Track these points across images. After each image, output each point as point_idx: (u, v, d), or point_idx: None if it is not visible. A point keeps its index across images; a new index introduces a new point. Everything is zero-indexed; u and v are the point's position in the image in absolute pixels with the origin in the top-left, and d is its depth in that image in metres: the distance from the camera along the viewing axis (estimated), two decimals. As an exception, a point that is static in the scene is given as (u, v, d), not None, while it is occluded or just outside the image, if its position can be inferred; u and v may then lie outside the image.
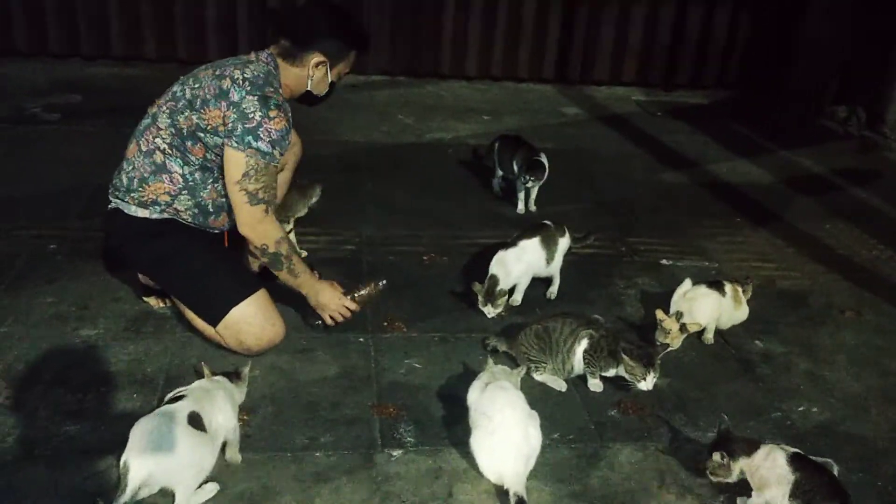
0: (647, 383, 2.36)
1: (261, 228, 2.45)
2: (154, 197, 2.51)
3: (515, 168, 3.74)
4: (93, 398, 2.28)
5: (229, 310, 2.47)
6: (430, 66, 6.14)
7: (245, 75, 2.40)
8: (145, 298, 2.78)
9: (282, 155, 2.47)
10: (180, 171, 2.49)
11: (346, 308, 2.61)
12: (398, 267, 3.17)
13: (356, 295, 2.65)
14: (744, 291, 2.91)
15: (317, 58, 2.53)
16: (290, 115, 2.48)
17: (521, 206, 3.79)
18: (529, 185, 3.71)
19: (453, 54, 6.09)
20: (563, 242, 2.99)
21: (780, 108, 5.67)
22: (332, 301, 2.60)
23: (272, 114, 2.38)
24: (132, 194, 2.52)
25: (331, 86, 2.65)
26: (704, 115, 5.86)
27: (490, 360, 2.34)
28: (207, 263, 2.55)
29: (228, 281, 2.54)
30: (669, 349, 2.67)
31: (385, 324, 2.77)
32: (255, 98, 2.37)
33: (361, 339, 2.69)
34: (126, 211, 2.54)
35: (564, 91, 6.13)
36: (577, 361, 2.45)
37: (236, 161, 2.38)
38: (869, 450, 2.37)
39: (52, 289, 2.81)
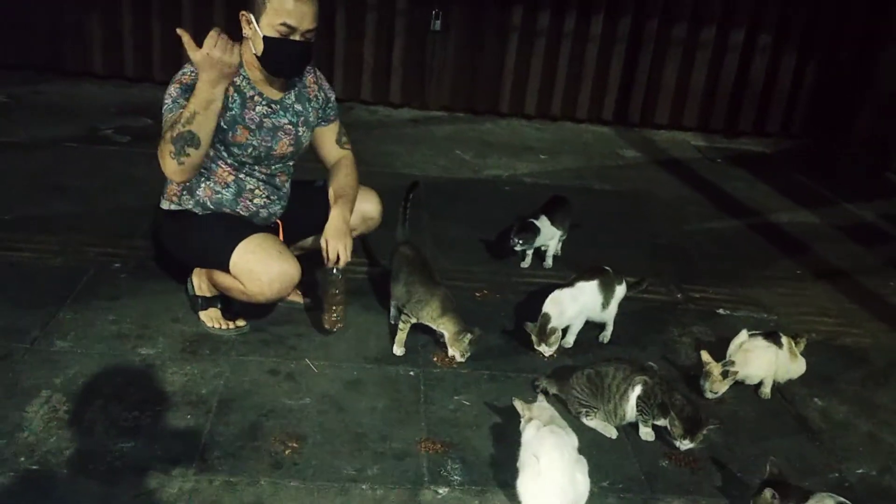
0: (681, 445, 2.35)
1: (161, 160, 2.44)
2: (170, 196, 2.72)
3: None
4: (148, 416, 2.33)
5: (234, 248, 2.55)
6: (490, 103, 6.20)
7: None
8: (201, 315, 2.84)
9: (187, 100, 2.43)
10: None
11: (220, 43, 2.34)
12: (451, 302, 3.18)
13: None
14: (797, 345, 2.85)
15: (243, 17, 2.51)
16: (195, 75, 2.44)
17: (525, 262, 3.59)
18: (517, 248, 3.45)
19: (513, 93, 6.14)
20: (620, 290, 2.96)
21: (845, 161, 5.57)
22: (203, 64, 2.35)
23: (175, 78, 2.54)
24: (163, 193, 2.76)
25: (277, 44, 2.47)
26: (767, 163, 5.78)
27: (540, 397, 2.31)
28: (211, 222, 2.68)
29: (229, 229, 2.63)
30: (714, 397, 2.67)
31: (435, 359, 2.78)
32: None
33: (412, 373, 2.69)
34: (160, 205, 2.77)
35: (623, 133, 6.12)
36: (630, 408, 2.42)
37: None
38: (932, 520, 2.28)
39: (114, 306, 2.88)
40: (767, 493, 2.01)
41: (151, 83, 5.76)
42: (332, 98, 2.86)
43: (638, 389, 2.40)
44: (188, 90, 2.46)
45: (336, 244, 2.65)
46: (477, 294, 3.29)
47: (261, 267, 2.54)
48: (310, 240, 2.90)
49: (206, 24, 5.75)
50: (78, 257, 3.22)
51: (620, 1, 5.90)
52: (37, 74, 5.72)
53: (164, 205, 2.75)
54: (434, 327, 2.74)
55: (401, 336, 2.77)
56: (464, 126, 5.98)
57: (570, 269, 3.48)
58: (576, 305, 2.85)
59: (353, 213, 2.82)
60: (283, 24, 2.46)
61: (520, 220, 3.49)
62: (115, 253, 3.28)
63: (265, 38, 2.48)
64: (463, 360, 2.69)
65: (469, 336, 2.65)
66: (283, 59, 2.55)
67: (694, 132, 6.24)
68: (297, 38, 2.49)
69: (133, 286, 3.05)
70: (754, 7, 5.97)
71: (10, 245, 3.24)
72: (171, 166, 2.43)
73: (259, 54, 2.52)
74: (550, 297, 2.84)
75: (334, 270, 2.67)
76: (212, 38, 2.33)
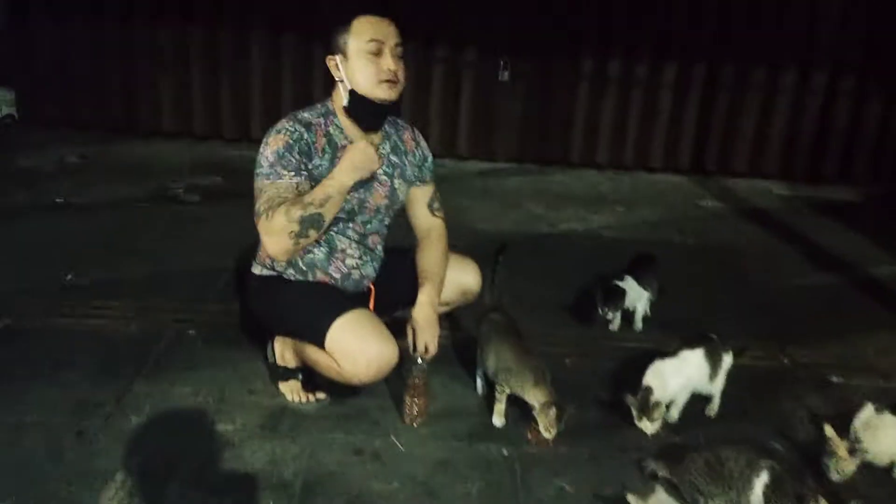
0: None
1: (270, 236, 2.34)
2: (262, 259, 2.59)
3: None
4: (230, 503, 2.17)
5: (330, 324, 2.39)
6: (560, 153, 6.05)
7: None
8: (281, 385, 2.70)
9: (288, 170, 2.36)
10: None
11: (370, 148, 2.41)
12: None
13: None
14: None
15: (331, 61, 2.48)
16: (302, 134, 2.41)
17: (613, 325, 3.35)
18: (609, 316, 3.29)
19: (585, 142, 5.98)
20: (727, 360, 2.72)
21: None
22: (356, 154, 2.39)
23: (270, 139, 2.41)
24: (254, 256, 2.65)
25: (360, 98, 2.44)
26: (858, 211, 5.47)
27: (658, 489, 2.09)
28: (306, 293, 2.54)
29: (326, 302, 2.49)
30: (841, 479, 2.39)
31: (529, 436, 2.57)
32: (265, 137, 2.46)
33: (505, 453, 2.49)
34: (252, 270, 2.65)
35: (700, 182, 5.89)
36: (756, 498, 2.16)
37: None
38: None
39: (190, 377, 2.76)
40: None
41: (220, 140, 5.77)
42: (430, 159, 2.75)
43: (764, 477, 2.15)
44: (287, 152, 2.38)
45: (425, 335, 2.53)
46: (567, 360, 3.09)
47: (359, 346, 2.38)
48: (400, 311, 2.75)
49: (274, 82, 5.79)
50: (152, 323, 3.13)
51: (695, 46, 5.73)
52: (110, 134, 5.78)
53: (256, 269, 2.64)
54: (524, 399, 2.54)
55: (499, 407, 2.59)
56: (533, 177, 5.84)
57: (661, 331, 3.28)
58: (680, 378, 2.62)
59: (448, 286, 2.69)
60: (372, 41, 2.42)
61: (603, 281, 3.29)
62: (189, 318, 3.18)
63: (351, 92, 2.45)
64: (550, 436, 2.47)
65: (555, 410, 2.44)
66: (366, 111, 2.50)
67: (775, 180, 5.98)
68: (388, 56, 2.43)
69: (208, 354, 2.93)
70: (837, 49, 5.73)
71: (86, 311, 3.18)
72: (284, 244, 2.34)
73: (362, 90, 2.46)
74: (651, 368, 2.62)
75: (419, 360, 2.53)
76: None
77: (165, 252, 3.89)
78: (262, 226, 2.35)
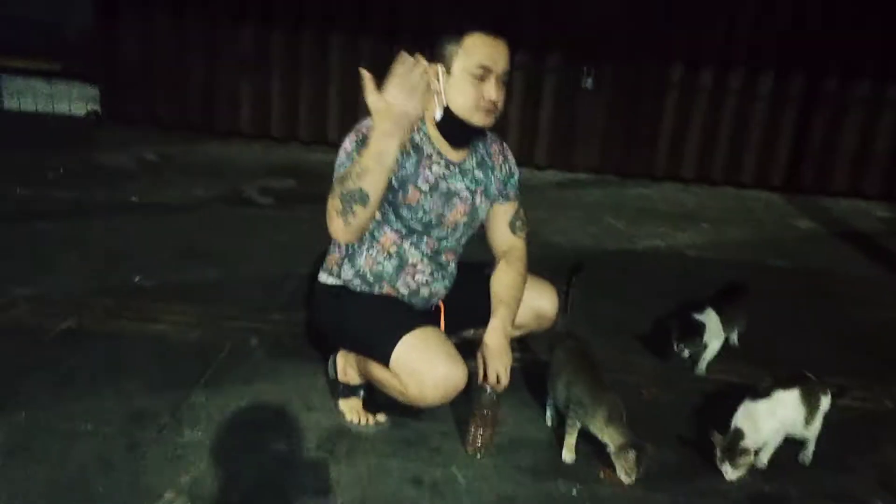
0: None
1: (327, 220, 2.16)
2: (330, 266, 2.49)
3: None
4: (278, 532, 2.06)
5: (397, 341, 2.24)
6: (643, 165, 5.80)
7: None
8: (341, 403, 2.58)
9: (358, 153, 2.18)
10: None
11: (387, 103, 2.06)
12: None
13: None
14: None
15: (432, 70, 2.22)
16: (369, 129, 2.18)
17: (700, 367, 3.02)
18: (685, 354, 2.95)
19: (670, 154, 5.71)
20: (825, 402, 2.46)
21: None
22: (379, 119, 2.07)
23: (350, 135, 2.30)
24: (322, 264, 2.54)
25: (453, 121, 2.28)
26: (969, 238, 5.06)
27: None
28: (373, 307, 2.40)
29: (394, 319, 2.35)
30: None
31: (601, 474, 2.37)
32: None
33: (574, 493, 2.30)
34: (318, 278, 2.52)
35: (794, 201, 5.55)
36: (858, 567, 1.93)
37: None
38: None
39: (248, 391, 2.67)
40: None
41: (297, 143, 5.75)
42: (517, 175, 2.58)
43: (869, 543, 1.92)
44: (365, 142, 2.21)
45: (496, 365, 2.35)
46: (643, 391, 2.88)
47: (426, 367, 2.22)
48: (471, 331, 2.59)
49: (352, 86, 5.71)
50: (215, 331, 3.06)
51: (794, 56, 5.39)
52: (189, 133, 5.83)
53: (323, 277, 2.52)
54: (598, 437, 2.35)
55: (570, 441, 2.40)
56: (614, 190, 5.60)
57: (747, 364, 3.04)
58: (773, 421, 2.38)
59: (523, 309, 2.52)
60: (480, 67, 2.24)
61: (682, 312, 3.03)
62: (253, 327, 3.10)
63: (445, 110, 2.29)
64: (630, 480, 2.27)
65: (634, 453, 2.24)
66: (457, 131, 2.36)
67: (876, 201, 5.58)
68: (493, 84, 2.26)
69: (269, 367, 2.83)
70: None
71: (149, 315, 3.13)
72: (336, 225, 2.16)
73: (454, 108, 2.30)
74: (742, 408, 2.39)
75: (488, 390, 2.36)
76: (395, 80, 2.06)
77: (234, 256, 3.84)
78: (327, 209, 2.21)
